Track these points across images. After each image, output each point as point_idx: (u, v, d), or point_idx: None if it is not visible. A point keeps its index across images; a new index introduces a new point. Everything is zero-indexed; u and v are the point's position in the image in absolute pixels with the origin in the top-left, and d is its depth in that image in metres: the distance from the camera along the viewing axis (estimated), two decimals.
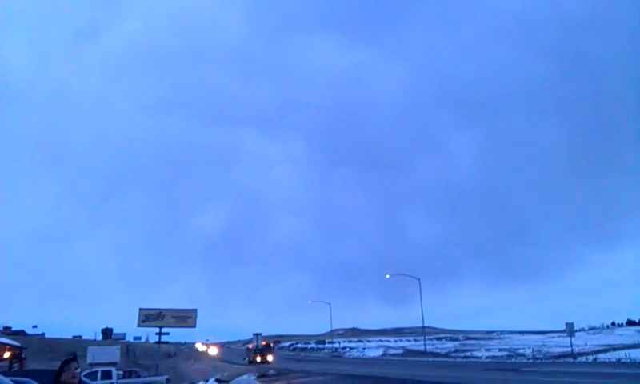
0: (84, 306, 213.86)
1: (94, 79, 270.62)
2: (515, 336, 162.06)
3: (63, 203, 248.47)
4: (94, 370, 31.40)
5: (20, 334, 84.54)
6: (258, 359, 72.85)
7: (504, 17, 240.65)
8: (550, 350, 71.94)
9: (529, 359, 56.68)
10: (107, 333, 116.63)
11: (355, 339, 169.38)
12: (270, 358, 74.52)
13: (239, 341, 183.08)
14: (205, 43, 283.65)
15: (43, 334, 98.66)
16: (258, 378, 44.11)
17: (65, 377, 5.88)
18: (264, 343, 79.16)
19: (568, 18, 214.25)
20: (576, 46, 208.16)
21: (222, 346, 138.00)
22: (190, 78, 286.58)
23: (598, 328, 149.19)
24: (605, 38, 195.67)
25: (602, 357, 55.05)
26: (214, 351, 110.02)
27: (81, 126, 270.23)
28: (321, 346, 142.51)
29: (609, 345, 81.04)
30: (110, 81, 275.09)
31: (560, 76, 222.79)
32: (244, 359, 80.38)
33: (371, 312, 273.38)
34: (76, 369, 5.96)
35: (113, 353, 42.42)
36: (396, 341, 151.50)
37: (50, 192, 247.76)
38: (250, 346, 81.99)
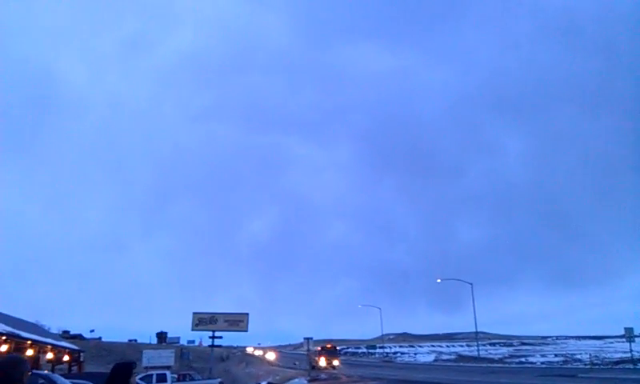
0: (139, 310, 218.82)
1: (145, 89, 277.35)
2: (571, 341, 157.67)
3: (117, 211, 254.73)
4: (149, 373, 32.05)
5: (78, 337, 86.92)
6: (323, 364, 65.26)
7: (551, 13, 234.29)
8: (608, 355, 69.67)
9: (586, 365, 55.03)
10: (162, 336, 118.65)
11: (406, 344, 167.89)
12: (336, 362, 67.54)
13: (289, 345, 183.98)
14: (250, 51, 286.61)
15: (100, 338, 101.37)
16: (310, 381, 44.21)
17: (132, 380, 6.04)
18: (329, 346, 72.23)
19: (616, 13, 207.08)
20: (625, 42, 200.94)
21: (278, 350, 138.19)
22: (236, 85, 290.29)
23: None
24: None
25: None
26: (271, 356, 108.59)
27: (133, 134, 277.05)
28: (372, 350, 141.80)
29: None
30: (160, 90, 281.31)
31: (610, 73, 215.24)
32: (307, 365, 69.39)
33: (421, 317, 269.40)
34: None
35: (167, 356, 43.30)
36: (448, 346, 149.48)
37: (104, 200, 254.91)
38: (315, 349, 71.79)
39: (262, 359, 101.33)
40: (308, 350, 57.21)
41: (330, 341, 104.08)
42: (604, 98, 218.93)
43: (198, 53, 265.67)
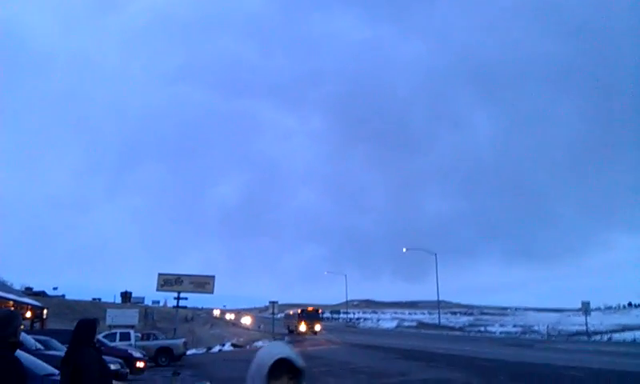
0: (104, 269, 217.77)
1: (114, 49, 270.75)
2: (530, 313, 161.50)
3: (83, 170, 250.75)
4: (112, 331, 32.00)
5: (41, 294, 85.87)
6: (303, 329, 60.25)
7: None
8: (565, 327, 71.75)
9: (543, 336, 56.73)
10: (126, 296, 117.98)
11: (369, 311, 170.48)
12: (318, 327, 62.13)
13: (255, 308, 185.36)
14: (224, 13, 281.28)
15: (63, 296, 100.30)
16: None
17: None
18: (310, 309, 66.47)
19: None
20: (598, 24, 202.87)
21: (253, 314, 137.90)
22: (207, 47, 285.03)
23: (614, 308, 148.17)
24: (628, 15, 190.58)
25: (617, 336, 54.95)
26: (247, 320, 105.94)
27: (100, 94, 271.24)
28: (335, 316, 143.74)
29: (624, 325, 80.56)
30: (130, 50, 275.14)
31: (582, 54, 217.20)
32: (285, 329, 67.82)
33: (385, 285, 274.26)
34: None
35: (131, 316, 43.06)
36: (410, 314, 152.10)
37: (70, 159, 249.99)
38: (292, 313, 68.87)
39: (237, 324, 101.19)
40: (273, 314, 56.95)
41: (294, 305, 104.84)
42: (575, 78, 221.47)
43: (170, 12, 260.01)
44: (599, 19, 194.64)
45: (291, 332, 62.79)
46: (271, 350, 2.40)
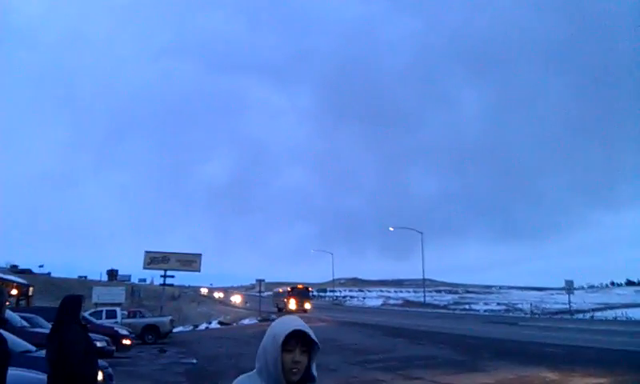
0: (90, 247, 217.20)
1: (102, 23, 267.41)
2: (514, 291, 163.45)
3: (69, 146, 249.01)
4: (99, 309, 32.02)
5: (27, 272, 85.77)
6: (293, 307, 58.87)
7: None
8: (549, 306, 72.96)
9: (526, 314, 57.50)
10: (113, 274, 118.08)
11: (356, 289, 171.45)
12: (308, 305, 61.24)
13: (242, 286, 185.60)
14: None
15: (49, 274, 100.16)
16: (260, 321, 44.99)
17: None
18: (300, 286, 64.19)
19: None
20: (589, 4, 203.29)
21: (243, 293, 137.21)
22: (197, 24, 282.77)
23: (597, 287, 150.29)
24: None
25: (598, 315, 55.92)
26: (237, 299, 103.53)
27: (88, 69, 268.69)
28: (322, 294, 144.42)
29: (606, 303, 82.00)
30: (118, 25, 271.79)
31: (571, 34, 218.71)
32: (274, 306, 66.42)
33: (373, 263, 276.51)
34: None
35: (118, 293, 43.09)
36: (396, 292, 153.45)
37: (55, 134, 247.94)
38: (281, 290, 67.36)
39: (225, 302, 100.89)
40: (260, 292, 56.80)
41: (281, 283, 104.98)
42: (564, 59, 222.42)
43: None
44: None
45: (280, 310, 61.60)
46: (286, 321, 2.46)
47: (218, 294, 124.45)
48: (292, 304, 59.34)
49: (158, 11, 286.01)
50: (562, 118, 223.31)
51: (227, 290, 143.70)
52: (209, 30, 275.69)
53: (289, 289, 63.09)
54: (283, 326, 2.41)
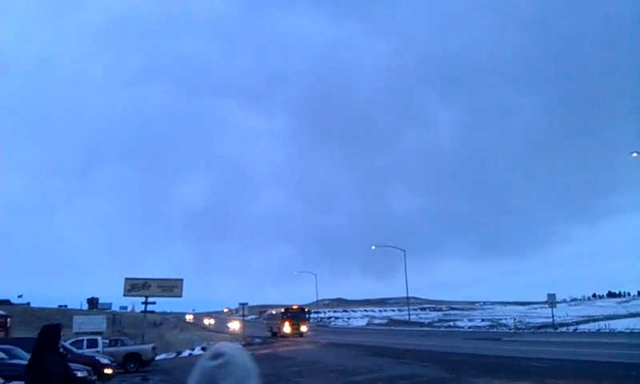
0: (69, 275, 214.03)
1: (74, 50, 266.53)
2: (498, 307, 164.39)
3: (43, 174, 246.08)
4: (80, 338, 31.46)
5: (5, 303, 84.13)
6: (288, 330, 54.88)
7: None
8: (532, 320, 73.19)
9: (510, 329, 57.60)
10: (93, 302, 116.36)
11: (340, 309, 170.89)
12: (304, 328, 56.65)
13: (219, 312, 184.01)
14: (183, 13, 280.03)
15: (29, 304, 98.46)
16: (245, 346, 44.48)
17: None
18: (295, 308, 59.65)
19: None
20: (556, 21, 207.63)
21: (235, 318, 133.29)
22: (169, 48, 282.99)
23: (580, 299, 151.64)
24: (585, 12, 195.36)
25: (582, 327, 56.23)
26: (235, 325, 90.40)
27: (61, 96, 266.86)
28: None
29: (589, 316, 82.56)
30: (90, 51, 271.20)
31: (542, 51, 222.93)
32: (267, 331, 62.60)
33: (356, 282, 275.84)
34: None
35: (99, 322, 42.40)
36: (380, 311, 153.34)
37: (30, 163, 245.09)
38: (274, 312, 62.49)
39: (207, 327, 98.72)
40: (243, 315, 55.85)
41: (265, 306, 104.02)
42: (536, 76, 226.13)
43: (129, 13, 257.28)
44: (557, 15, 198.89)
45: (274, 334, 57.89)
46: (196, 370, 2.04)
47: (208, 320, 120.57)
48: (286, 327, 55.25)
49: (131, 36, 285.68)
50: (535, 135, 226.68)
51: (211, 315, 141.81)
52: (182, 54, 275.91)
53: (282, 310, 58.71)
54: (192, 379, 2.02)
